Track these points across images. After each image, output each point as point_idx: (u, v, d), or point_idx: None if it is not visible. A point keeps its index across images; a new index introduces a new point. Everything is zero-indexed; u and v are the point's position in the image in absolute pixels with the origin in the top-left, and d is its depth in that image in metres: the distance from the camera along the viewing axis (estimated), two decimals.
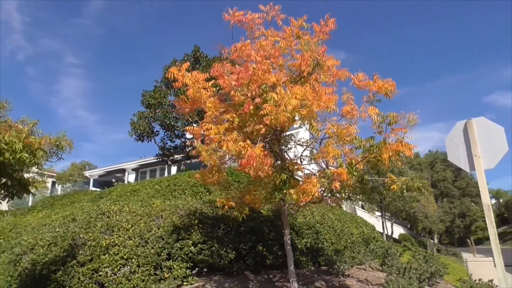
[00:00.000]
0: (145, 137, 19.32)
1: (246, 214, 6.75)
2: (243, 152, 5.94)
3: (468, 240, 16.93)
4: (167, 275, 7.94)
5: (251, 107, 5.99)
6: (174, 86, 6.88)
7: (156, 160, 35.23)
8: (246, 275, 8.49)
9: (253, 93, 5.92)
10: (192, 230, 8.52)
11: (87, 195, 17.30)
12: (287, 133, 7.09)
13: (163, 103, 18.52)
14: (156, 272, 7.99)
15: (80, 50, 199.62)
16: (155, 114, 18.25)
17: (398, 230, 39.60)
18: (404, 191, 6.89)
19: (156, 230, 8.59)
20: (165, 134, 20.11)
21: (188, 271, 8.09)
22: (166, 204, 9.64)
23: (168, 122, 18.19)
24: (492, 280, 9.31)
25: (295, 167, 6.48)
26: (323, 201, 6.92)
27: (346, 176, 5.89)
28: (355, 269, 9.77)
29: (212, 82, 6.93)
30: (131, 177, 36.53)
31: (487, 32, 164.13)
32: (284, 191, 6.43)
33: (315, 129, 5.96)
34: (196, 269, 8.40)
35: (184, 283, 7.95)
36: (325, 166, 7.06)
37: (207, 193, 12.90)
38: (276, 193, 6.43)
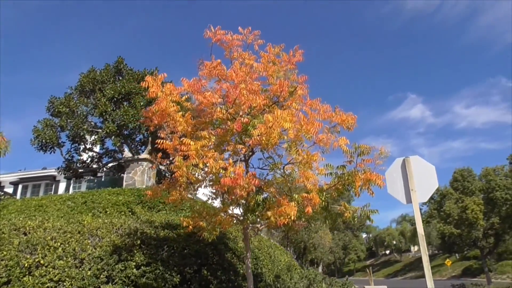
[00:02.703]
0: (49, 147, 17.45)
1: (216, 235, 6.55)
2: (222, 171, 5.88)
3: (367, 270, 18.45)
4: None
5: (235, 125, 5.98)
6: (148, 96, 6.51)
7: (40, 174, 31.96)
8: None
9: (243, 112, 5.92)
10: (135, 251, 7.90)
11: None
12: (266, 155, 7.11)
13: (76, 112, 17.08)
14: None
15: None
16: (66, 123, 16.67)
17: None
18: (355, 218, 7.39)
19: (93, 250, 7.77)
20: (72, 146, 18.48)
21: None
22: (100, 222, 8.80)
23: (81, 134, 16.74)
24: None
25: (270, 189, 6.54)
26: (294, 224, 7.07)
27: (319, 201, 6.15)
28: None
29: (185, 96, 6.76)
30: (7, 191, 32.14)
31: (367, 84, 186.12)
32: (257, 212, 6.45)
33: (299, 153, 6.14)
34: None
35: None
36: (287, 191, 7.27)
37: (130, 213, 12.12)
38: (248, 214, 6.40)
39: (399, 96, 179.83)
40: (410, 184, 6.80)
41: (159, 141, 6.45)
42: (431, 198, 52.69)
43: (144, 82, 6.44)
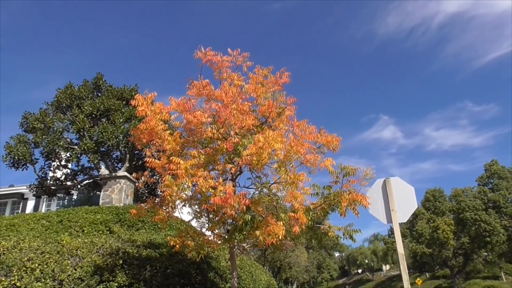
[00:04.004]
0: (22, 164, 16.90)
1: (204, 255, 6.51)
2: (211, 190, 5.91)
3: None
4: None
5: (225, 145, 6.05)
6: (137, 114, 6.51)
7: (7, 192, 30.75)
8: None
9: (234, 132, 6.00)
10: (117, 271, 7.72)
11: None
12: (254, 175, 7.16)
13: (52, 128, 16.69)
14: None
15: None
16: (41, 139, 16.23)
17: None
18: (340, 237, 7.51)
19: (73, 271, 7.54)
20: (46, 163, 17.98)
21: None
22: (80, 242, 8.57)
23: (56, 150, 16.33)
24: None
25: (258, 208, 6.58)
26: (282, 244, 7.11)
27: (306, 220, 6.25)
28: None
29: (175, 115, 6.80)
30: None
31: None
32: (244, 232, 6.47)
33: (288, 173, 6.23)
34: None
35: None
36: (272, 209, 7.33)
37: (108, 232, 11.85)
38: (236, 233, 6.41)
39: (371, 117, 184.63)
40: (390, 204, 6.96)
41: (148, 160, 6.42)
42: None
43: (134, 101, 6.45)
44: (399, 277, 77.71)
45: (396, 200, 7.05)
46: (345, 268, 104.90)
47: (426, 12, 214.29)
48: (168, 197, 6.08)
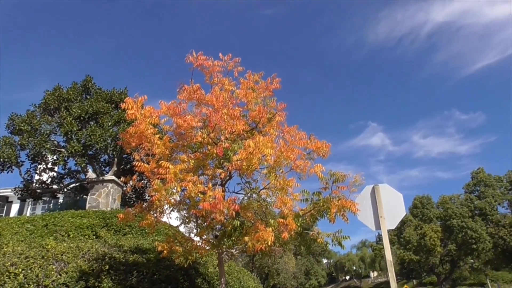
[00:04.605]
0: (7, 166, 16.60)
1: (192, 261, 6.43)
2: (200, 195, 5.86)
3: None
4: None
5: (215, 150, 6.02)
6: (127, 118, 6.44)
7: None
8: None
9: (224, 137, 5.97)
10: (103, 277, 7.60)
11: None
12: (244, 180, 7.13)
13: (39, 130, 16.45)
14: None
15: None
16: (27, 141, 15.98)
17: None
18: (328, 243, 7.50)
19: (58, 276, 7.41)
20: (32, 165, 17.69)
21: None
22: (65, 246, 8.42)
23: (43, 153, 16.08)
24: None
25: (247, 214, 6.54)
26: (271, 250, 7.06)
27: (295, 226, 6.22)
28: None
29: (165, 119, 6.75)
30: None
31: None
32: (233, 237, 6.43)
33: (277, 178, 6.20)
34: None
35: None
36: (261, 215, 7.30)
37: (94, 236, 11.68)
38: (225, 239, 6.36)
39: (360, 124, 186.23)
40: (379, 211, 6.96)
41: (136, 164, 6.34)
42: None
43: (124, 104, 6.38)
44: (386, 284, 77.93)
45: (385, 207, 7.06)
46: (333, 274, 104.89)
47: (415, 21, 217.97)
48: (157, 201, 6.00)
